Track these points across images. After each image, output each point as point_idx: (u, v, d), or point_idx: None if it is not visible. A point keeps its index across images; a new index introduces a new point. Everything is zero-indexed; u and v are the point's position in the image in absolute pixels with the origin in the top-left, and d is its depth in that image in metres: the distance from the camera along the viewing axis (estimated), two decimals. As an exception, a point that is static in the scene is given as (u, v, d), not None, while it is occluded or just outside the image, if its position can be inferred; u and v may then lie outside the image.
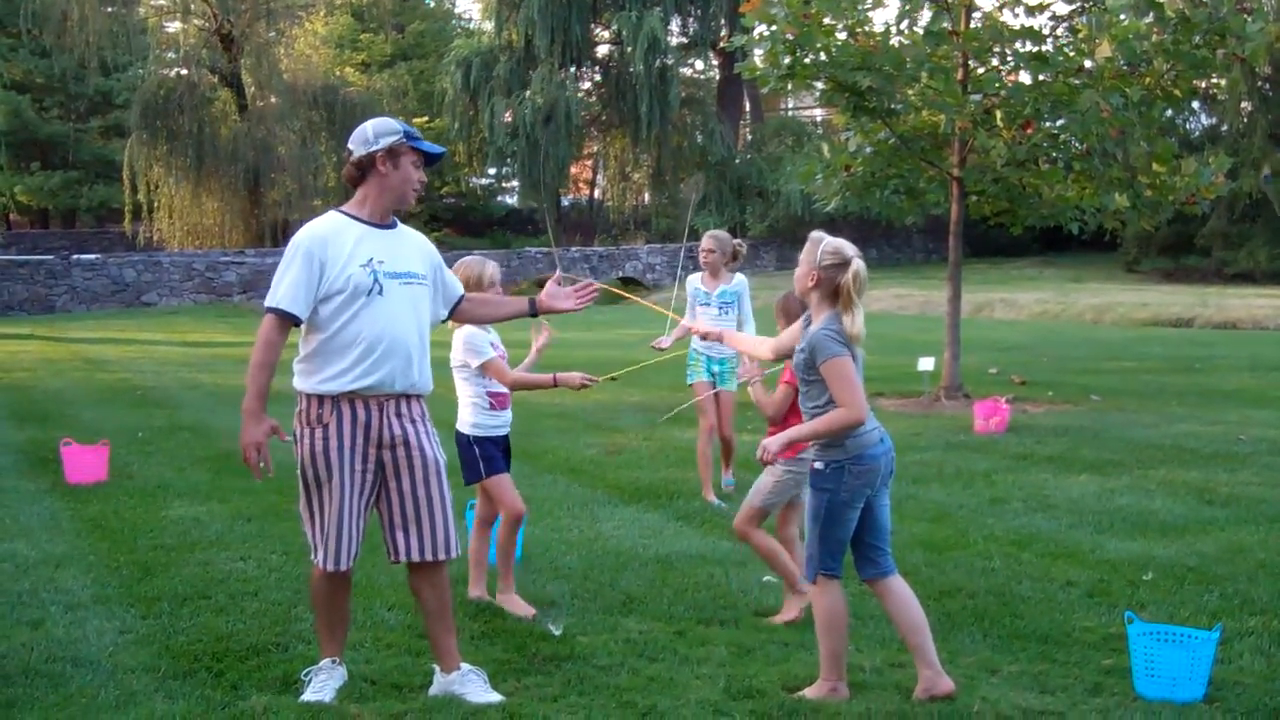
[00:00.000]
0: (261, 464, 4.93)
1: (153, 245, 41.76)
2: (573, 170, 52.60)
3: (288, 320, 4.97)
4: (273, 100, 43.80)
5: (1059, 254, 44.82)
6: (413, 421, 5.11)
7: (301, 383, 5.07)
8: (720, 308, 9.37)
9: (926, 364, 14.46)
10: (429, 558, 5.08)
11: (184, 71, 43.57)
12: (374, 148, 5.06)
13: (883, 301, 34.03)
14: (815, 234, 5.24)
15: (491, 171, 52.71)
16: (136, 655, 5.68)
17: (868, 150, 15.23)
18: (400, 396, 5.08)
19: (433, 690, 5.19)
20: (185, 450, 11.69)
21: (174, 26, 46.66)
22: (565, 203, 53.85)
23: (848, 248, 5.15)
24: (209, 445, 11.94)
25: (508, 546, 6.59)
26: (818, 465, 5.14)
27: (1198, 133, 42.63)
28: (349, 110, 42.97)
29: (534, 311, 5.57)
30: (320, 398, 5.01)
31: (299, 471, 5.05)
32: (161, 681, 5.34)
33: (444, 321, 5.52)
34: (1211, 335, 24.68)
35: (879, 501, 5.20)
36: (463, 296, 5.53)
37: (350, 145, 5.13)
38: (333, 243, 5.01)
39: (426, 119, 49.77)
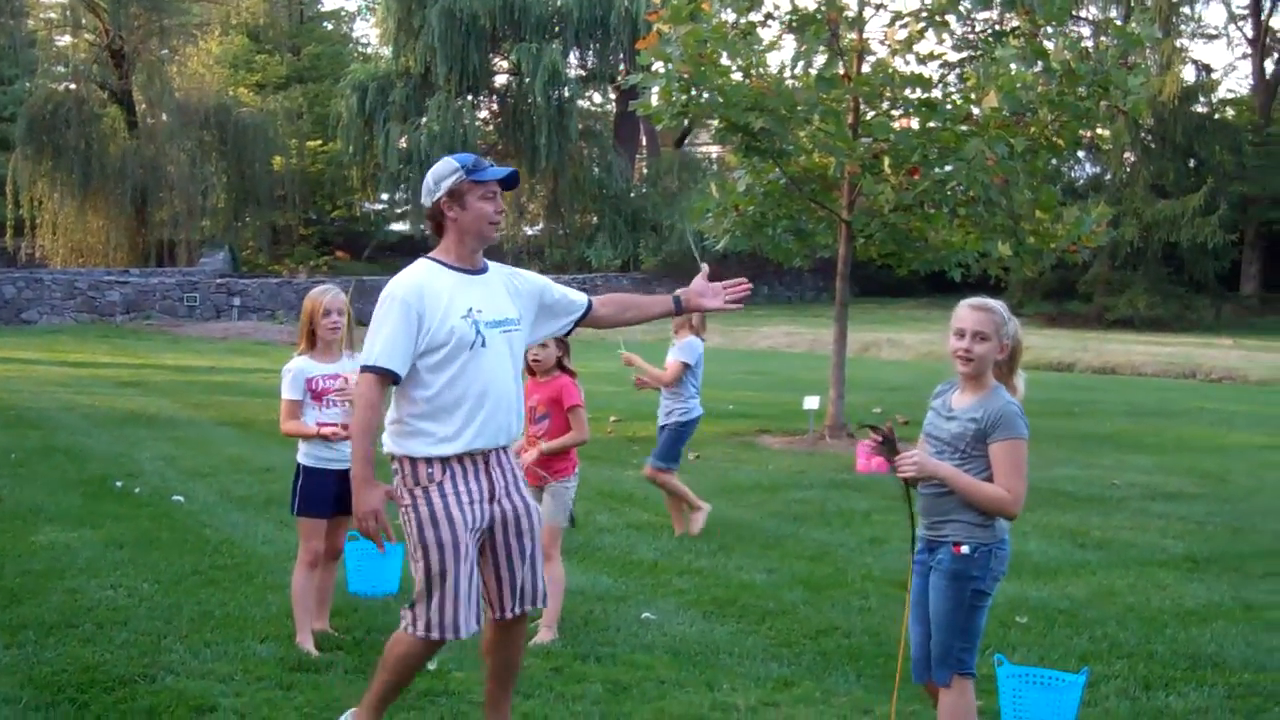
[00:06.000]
0: (383, 531, 4.59)
1: (34, 262, 40.92)
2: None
3: (387, 378, 4.59)
4: (164, 119, 43.22)
5: (946, 295, 45.40)
6: (511, 469, 4.85)
7: (402, 445, 4.70)
8: None
9: (811, 402, 14.60)
10: (528, 607, 4.84)
11: (73, 86, 42.87)
12: (436, 195, 4.75)
13: (772, 339, 34.33)
14: (985, 301, 4.68)
15: (385, 197, 52.34)
16: (-2, 685, 5.54)
17: (758, 191, 15.35)
18: (502, 448, 4.82)
19: None
20: (59, 474, 11.43)
21: (64, 40, 46.00)
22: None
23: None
24: (84, 469, 11.68)
25: (306, 586, 6.32)
26: (965, 550, 4.57)
27: (1082, 181, 43.62)
28: (241, 131, 42.59)
29: (679, 309, 5.18)
30: (428, 459, 4.66)
31: (417, 540, 4.64)
32: (23, 713, 5.22)
33: (567, 333, 5.22)
34: (1091, 380, 25.13)
35: None
36: (590, 305, 5.16)
37: (422, 198, 4.85)
38: (429, 292, 4.65)
39: (321, 142, 49.40)
